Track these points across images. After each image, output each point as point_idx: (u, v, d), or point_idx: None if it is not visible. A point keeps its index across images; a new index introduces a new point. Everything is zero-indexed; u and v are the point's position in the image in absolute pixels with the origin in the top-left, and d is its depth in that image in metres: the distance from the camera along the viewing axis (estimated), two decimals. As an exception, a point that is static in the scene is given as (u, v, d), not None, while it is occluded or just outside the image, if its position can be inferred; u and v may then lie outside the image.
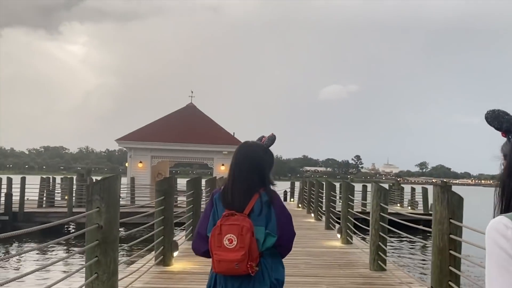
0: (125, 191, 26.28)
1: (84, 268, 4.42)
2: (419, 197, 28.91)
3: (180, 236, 11.10)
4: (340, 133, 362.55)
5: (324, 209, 16.38)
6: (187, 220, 11.30)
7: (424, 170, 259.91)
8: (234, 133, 30.52)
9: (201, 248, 2.90)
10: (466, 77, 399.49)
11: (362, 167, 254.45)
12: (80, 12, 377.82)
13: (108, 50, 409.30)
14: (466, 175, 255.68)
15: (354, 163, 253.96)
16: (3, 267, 14.38)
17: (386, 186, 14.95)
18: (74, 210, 21.78)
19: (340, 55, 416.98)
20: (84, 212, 4.53)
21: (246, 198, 2.85)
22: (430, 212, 25.43)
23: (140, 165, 28.30)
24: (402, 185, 34.82)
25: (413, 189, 30.01)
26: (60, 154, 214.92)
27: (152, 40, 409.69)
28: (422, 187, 27.98)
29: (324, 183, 17.60)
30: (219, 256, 2.76)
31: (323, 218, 16.57)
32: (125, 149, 29.38)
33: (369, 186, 29.42)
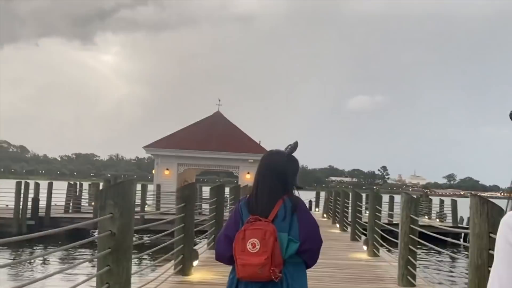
0: (151, 198, 26.29)
1: (95, 278, 4.19)
2: (447, 209, 28.17)
3: (201, 245, 10.87)
4: (366, 144, 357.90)
5: (349, 219, 15.97)
6: (209, 228, 11.07)
7: (452, 182, 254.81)
8: (260, 141, 30.35)
9: (227, 252, 2.86)
10: (497, 86, 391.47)
11: (388, 178, 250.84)
12: (113, 23, 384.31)
13: (139, 59, 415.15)
14: (495, 188, 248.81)
15: (380, 174, 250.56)
16: (24, 270, 14.41)
17: (414, 197, 14.74)
18: (99, 216, 21.88)
19: (368, 66, 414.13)
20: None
21: (270, 204, 2.88)
22: (459, 225, 24.76)
23: (166, 172, 28.32)
24: (429, 197, 34.02)
25: (441, 201, 29.22)
26: (91, 161, 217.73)
27: (182, 50, 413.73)
28: (452, 199, 27.27)
29: (350, 193, 17.18)
30: (242, 260, 2.76)
31: (349, 229, 16.14)
32: (152, 156, 29.46)
33: (397, 197, 28.78)
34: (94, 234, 22.96)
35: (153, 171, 29.30)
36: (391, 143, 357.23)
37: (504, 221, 1.25)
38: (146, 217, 20.96)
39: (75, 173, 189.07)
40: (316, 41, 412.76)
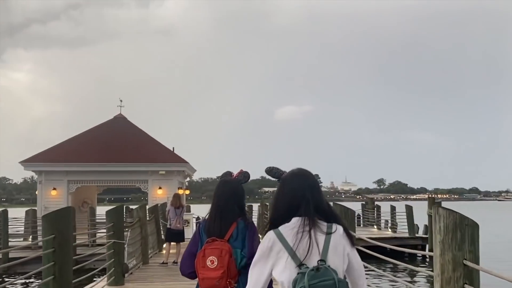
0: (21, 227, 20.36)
1: None
2: (398, 217, 24.31)
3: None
4: (297, 152, 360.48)
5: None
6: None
7: (382, 186, 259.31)
8: (173, 148, 24.75)
9: (190, 268, 3.42)
10: (418, 93, 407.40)
11: (321, 186, 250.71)
12: (24, 39, 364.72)
13: (56, 76, 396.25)
14: (423, 190, 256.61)
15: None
16: None
17: (349, 205, 11.21)
18: None
19: (292, 76, 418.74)
20: None
21: (227, 226, 3.42)
22: (417, 235, 20.93)
23: (53, 192, 22.25)
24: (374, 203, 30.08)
25: (393, 208, 24.87)
26: (2, 185, 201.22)
27: (101, 66, 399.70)
28: (406, 205, 22.99)
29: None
30: (203, 274, 3.31)
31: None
32: (35, 174, 23.23)
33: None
34: None
35: (36, 192, 23.05)
36: (322, 151, 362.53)
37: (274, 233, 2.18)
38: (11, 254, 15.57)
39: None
40: (238, 53, 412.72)
